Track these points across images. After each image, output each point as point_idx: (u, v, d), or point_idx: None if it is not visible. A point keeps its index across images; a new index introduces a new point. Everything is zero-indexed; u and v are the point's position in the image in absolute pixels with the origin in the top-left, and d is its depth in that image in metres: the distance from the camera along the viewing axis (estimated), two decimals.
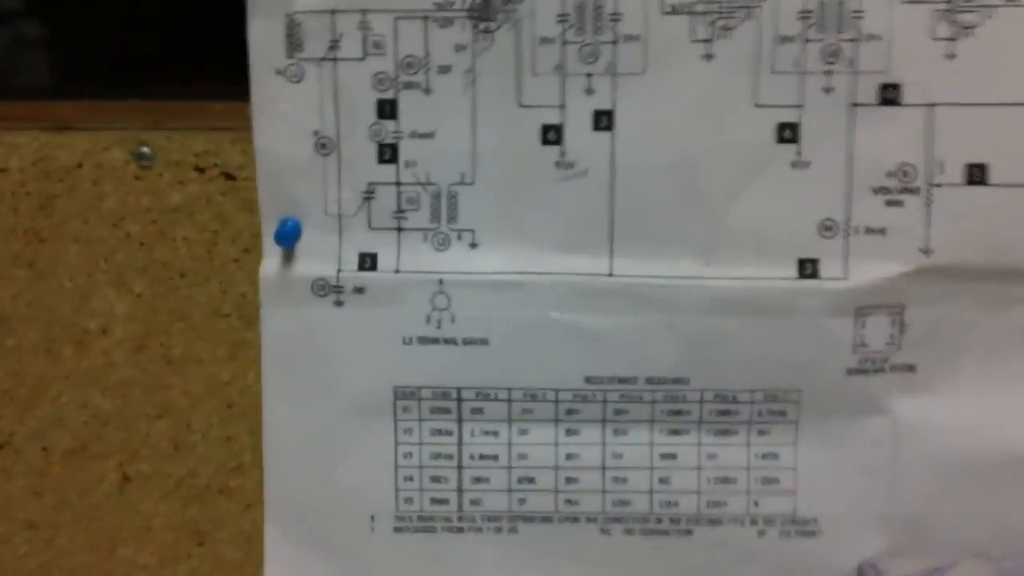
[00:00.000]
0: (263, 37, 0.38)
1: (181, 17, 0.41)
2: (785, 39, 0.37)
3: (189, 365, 0.42)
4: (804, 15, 0.37)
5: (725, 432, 0.40)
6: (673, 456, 0.41)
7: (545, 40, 0.38)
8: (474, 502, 0.41)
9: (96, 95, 0.41)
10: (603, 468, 0.41)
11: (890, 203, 0.38)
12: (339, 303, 0.40)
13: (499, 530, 0.41)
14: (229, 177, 0.40)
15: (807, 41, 0.37)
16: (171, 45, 0.42)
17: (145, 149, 0.40)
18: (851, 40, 0.37)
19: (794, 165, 0.38)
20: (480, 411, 0.41)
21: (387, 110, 0.38)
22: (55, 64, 0.43)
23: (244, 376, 0.42)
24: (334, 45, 0.38)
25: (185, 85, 0.41)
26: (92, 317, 0.42)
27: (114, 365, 0.42)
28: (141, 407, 0.42)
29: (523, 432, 0.41)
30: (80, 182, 0.41)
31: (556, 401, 0.40)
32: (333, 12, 0.38)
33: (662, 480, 0.41)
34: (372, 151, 0.39)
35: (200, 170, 0.41)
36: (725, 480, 0.41)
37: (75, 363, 0.42)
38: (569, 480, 0.41)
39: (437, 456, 0.41)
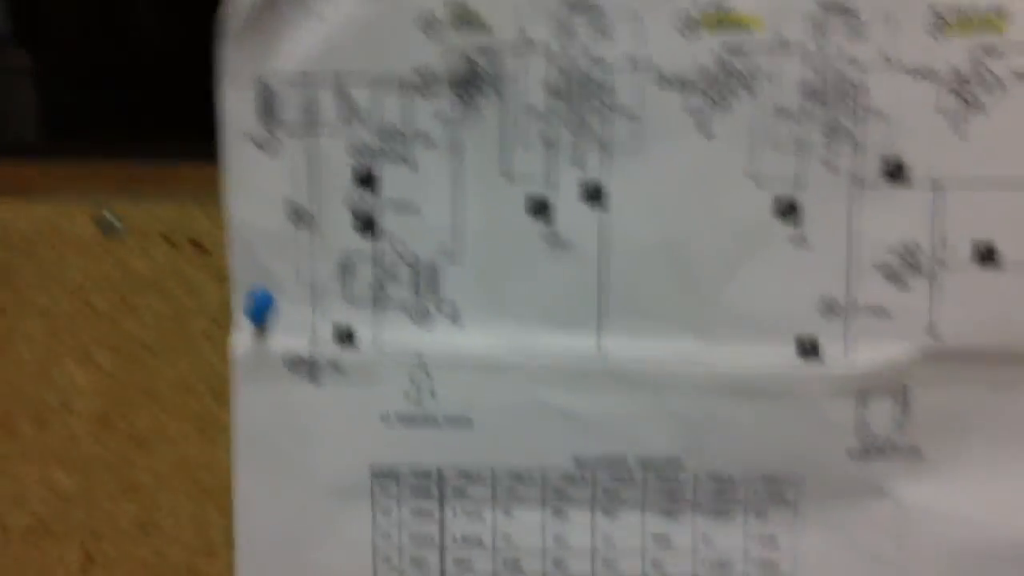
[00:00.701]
0: (236, 104, 0.37)
1: (147, 74, 0.40)
2: (785, 114, 0.36)
3: (156, 442, 0.41)
4: (805, 89, 0.35)
5: (721, 514, 0.39)
6: (666, 539, 0.40)
7: (533, 111, 0.36)
8: None
9: (59, 155, 0.40)
10: (592, 551, 0.40)
11: (894, 283, 0.37)
12: (314, 379, 0.39)
13: None
14: (199, 247, 0.39)
15: (808, 116, 0.36)
16: (137, 103, 0.41)
17: (110, 218, 0.39)
18: (855, 115, 0.36)
19: (794, 243, 0.37)
20: (463, 492, 0.39)
21: (365, 181, 0.37)
22: (15, 121, 0.42)
23: (214, 454, 0.41)
24: (310, 114, 0.37)
25: (152, 144, 0.40)
26: (54, 392, 0.41)
27: (77, 442, 0.41)
28: (105, 486, 0.41)
29: (508, 513, 0.40)
30: (42, 252, 0.40)
31: (543, 482, 0.39)
32: (309, 80, 0.36)
33: (655, 564, 0.40)
34: (350, 223, 0.38)
35: (169, 240, 0.39)
36: (721, 564, 0.40)
37: (35, 439, 0.41)
38: (557, 563, 0.40)
39: (417, 538, 0.40)
